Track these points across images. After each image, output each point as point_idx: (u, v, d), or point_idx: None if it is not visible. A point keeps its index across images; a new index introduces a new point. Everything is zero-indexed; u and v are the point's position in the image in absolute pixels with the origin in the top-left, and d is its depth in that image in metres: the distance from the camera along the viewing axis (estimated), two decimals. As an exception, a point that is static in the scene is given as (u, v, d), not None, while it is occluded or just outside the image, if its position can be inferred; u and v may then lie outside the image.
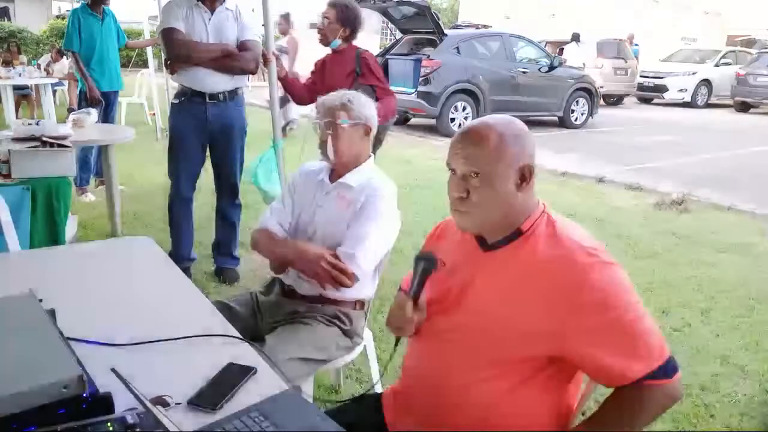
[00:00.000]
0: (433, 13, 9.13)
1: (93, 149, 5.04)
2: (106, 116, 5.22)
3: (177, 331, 1.36)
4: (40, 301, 1.19)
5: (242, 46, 3.25)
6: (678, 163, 7.74)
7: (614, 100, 14.79)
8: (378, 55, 8.89)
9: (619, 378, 1.18)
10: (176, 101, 3.36)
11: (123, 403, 1.00)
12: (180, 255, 3.44)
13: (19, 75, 8.14)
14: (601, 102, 12.49)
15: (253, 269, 3.75)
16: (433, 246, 1.47)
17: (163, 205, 3.79)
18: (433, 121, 9.47)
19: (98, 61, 5.14)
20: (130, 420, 0.94)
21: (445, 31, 9.52)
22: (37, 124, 3.18)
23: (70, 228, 3.14)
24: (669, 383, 1.18)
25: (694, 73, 14.88)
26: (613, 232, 4.74)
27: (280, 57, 3.71)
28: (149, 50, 8.07)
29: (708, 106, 15.02)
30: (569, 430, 1.30)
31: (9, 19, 19.90)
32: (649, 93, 15.28)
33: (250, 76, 3.59)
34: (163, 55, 3.64)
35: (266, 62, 3.38)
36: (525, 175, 1.26)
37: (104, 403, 0.98)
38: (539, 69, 10.06)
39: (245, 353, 1.32)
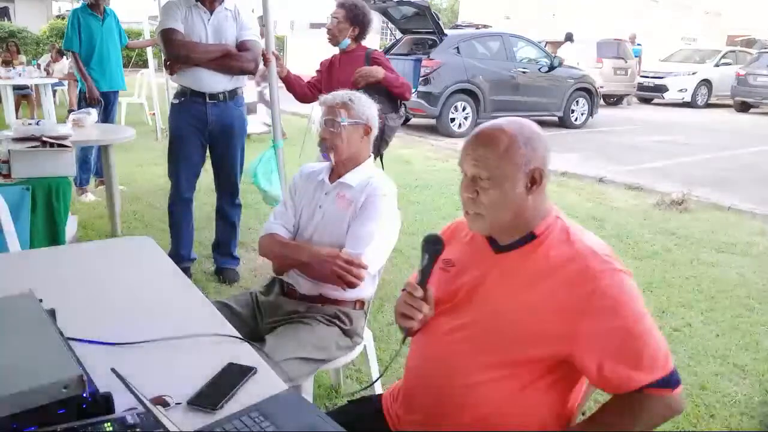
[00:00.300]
0: (433, 13, 9.13)
1: (93, 149, 5.05)
2: (106, 116, 5.22)
3: (177, 331, 1.36)
4: (40, 301, 1.19)
5: (241, 46, 3.25)
6: (678, 163, 7.74)
7: (614, 100, 14.79)
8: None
9: (619, 386, 1.18)
10: (176, 101, 3.36)
11: (123, 403, 1.00)
12: (180, 255, 3.44)
13: (19, 75, 8.14)
14: (601, 102, 12.50)
15: (253, 269, 3.75)
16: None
17: (163, 205, 3.79)
18: (433, 121, 9.47)
19: (98, 61, 5.14)
20: (130, 420, 0.94)
21: (445, 31, 9.52)
22: (37, 124, 3.18)
23: (70, 228, 3.13)
24: (670, 394, 1.18)
25: (694, 73, 14.89)
26: (613, 232, 4.75)
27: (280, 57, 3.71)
28: (149, 50, 8.07)
29: (708, 106, 15.03)
30: (567, 430, 1.30)
31: (9, 19, 19.91)
32: (649, 93, 15.28)
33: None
34: (162, 55, 3.64)
35: (266, 62, 3.38)
36: (535, 179, 1.25)
37: (104, 403, 0.98)
38: (539, 69, 10.06)
39: (245, 353, 1.32)
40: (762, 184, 6.69)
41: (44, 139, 2.91)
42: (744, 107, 14.42)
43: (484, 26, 11.33)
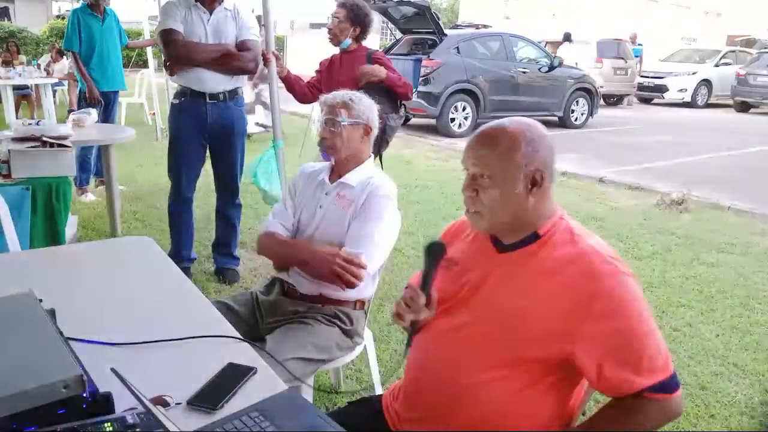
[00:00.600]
0: (433, 13, 9.13)
1: (93, 149, 5.05)
2: (106, 116, 5.23)
3: (177, 331, 1.36)
4: (40, 301, 1.19)
5: (241, 45, 3.25)
6: (678, 163, 7.74)
7: (614, 100, 14.79)
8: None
9: (618, 388, 1.18)
10: (176, 101, 3.36)
11: (123, 403, 1.00)
12: (180, 255, 3.44)
13: (19, 75, 8.14)
14: (601, 102, 12.49)
15: (253, 269, 3.75)
16: (446, 243, 1.46)
17: (163, 205, 3.79)
18: (433, 121, 9.47)
19: (98, 61, 5.14)
20: (130, 420, 0.94)
21: (445, 31, 9.52)
22: (37, 124, 3.18)
23: (70, 228, 3.14)
24: (668, 399, 1.18)
25: (694, 73, 14.89)
26: (613, 232, 4.74)
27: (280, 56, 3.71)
28: (149, 50, 8.07)
29: (708, 106, 15.02)
30: (566, 431, 1.30)
31: (9, 19, 19.90)
32: (649, 93, 15.28)
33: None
34: (162, 55, 3.64)
35: (266, 62, 3.38)
36: (536, 180, 1.25)
37: (104, 403, 0.98)
38: (539, 69, 10.06)
39: (245, 353, 1.32)
40: (762, 184, 6.69)
41: (44, 139, 2.91)
42: (744, 107, 14.42)
43: (484, 26, 11.32)
